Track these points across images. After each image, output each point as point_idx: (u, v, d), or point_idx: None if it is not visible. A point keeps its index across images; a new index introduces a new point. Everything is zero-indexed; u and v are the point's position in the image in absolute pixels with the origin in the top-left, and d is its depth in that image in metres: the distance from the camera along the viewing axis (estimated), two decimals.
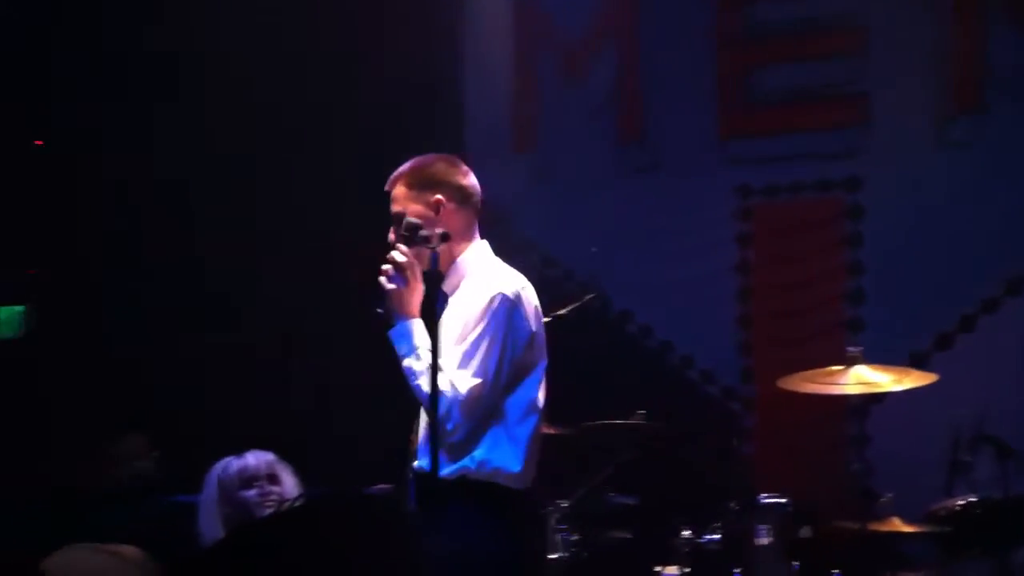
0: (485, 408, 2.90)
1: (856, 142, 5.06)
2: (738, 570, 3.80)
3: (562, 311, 4.09)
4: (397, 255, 3.03)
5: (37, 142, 4.98)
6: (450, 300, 3.06)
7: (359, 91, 5.32)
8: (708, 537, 3.87)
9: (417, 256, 3.04)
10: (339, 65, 5.34)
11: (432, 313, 2.91)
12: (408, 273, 3.01)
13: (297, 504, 3.10)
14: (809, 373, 3.96)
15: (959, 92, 4.92)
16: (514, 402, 2.98)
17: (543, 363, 3.09)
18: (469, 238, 3.17)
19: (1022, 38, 4.83)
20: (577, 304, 4.15)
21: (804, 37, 5.17)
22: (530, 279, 2.96)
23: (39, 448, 4.47)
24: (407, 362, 2.93)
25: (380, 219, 4.95)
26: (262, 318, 5.21)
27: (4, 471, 4.25)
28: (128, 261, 5.21)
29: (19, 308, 4.35)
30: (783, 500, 3.82)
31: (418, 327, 2.98)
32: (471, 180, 3.25)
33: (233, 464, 3.55)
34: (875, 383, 3.89)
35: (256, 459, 3.50)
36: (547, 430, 3.99)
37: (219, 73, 5.20)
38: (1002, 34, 4.86)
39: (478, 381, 2.89)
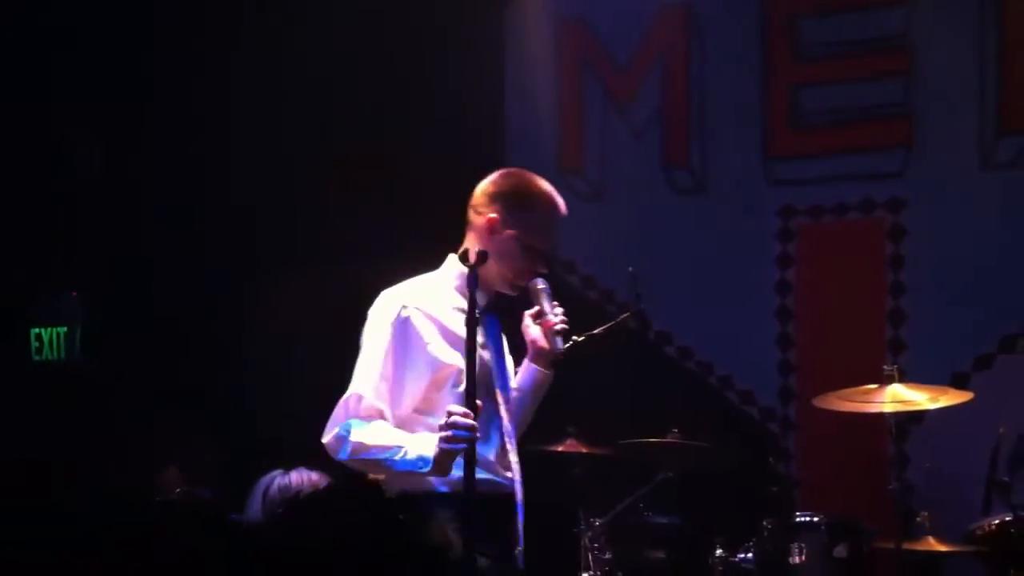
0: None
1: (900, 163, 5.05)
2: None
3: (597, 331, 4.14)
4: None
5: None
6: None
7: (405, 115, 5.41)
8: (742, 556, 3.87)
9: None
10: (386, 89, 5.44)
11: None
12: None
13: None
14: (846, 392, 3.96)
15: (1005, 114, 4.90)
16: None
17: None
18: None
19: None
20: (612, 323, 4.19)
21: (850, 58, 5.18)
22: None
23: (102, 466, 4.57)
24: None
25: (423, 239, 5.08)
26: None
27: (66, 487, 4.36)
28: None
29: (62, 329, 4.46)
30: (817, 519, 3.80)
31: None
32: None
33: (277, 481, 3.59)
34: (911, 401, 3.87)
35: (300, 477, 3.52)
36: (584, 449, 4.06)
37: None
38: None
39: None
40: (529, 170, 5.50)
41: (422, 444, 2.76)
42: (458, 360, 2.80)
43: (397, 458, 2.77)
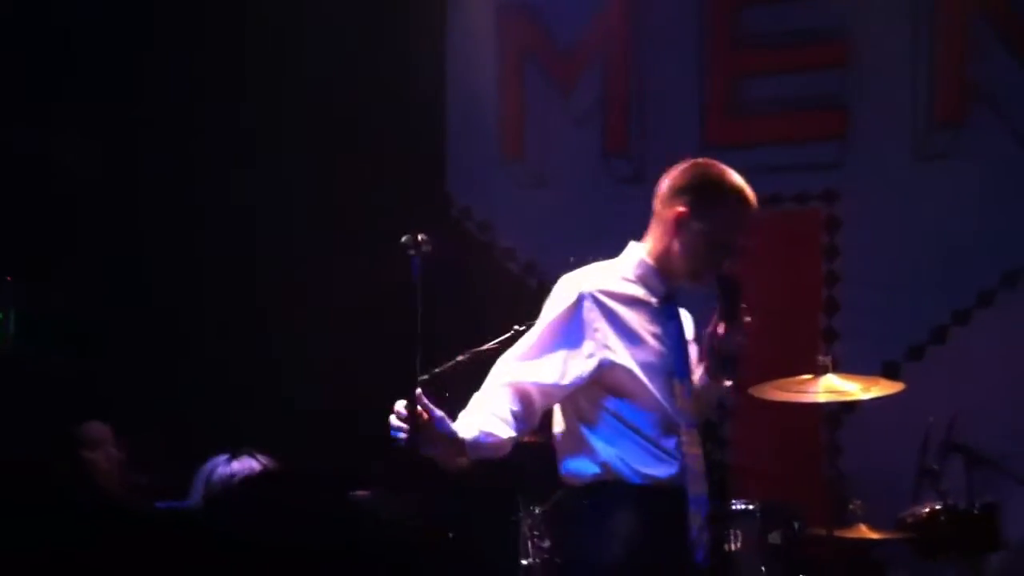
0: None
1: (835, 155, 5.12)
2: None
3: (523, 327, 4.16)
4: None
5: None
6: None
7: (341, 100, 5.38)
8: None
9: None
10: (326, 74, 5.40)
11: None
12: None
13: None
14: (781, 382, 4.02)
15: (939, 105, 4.99)
16: None
17: None
18: None
19: (1003, 52, 4.89)
20: None
21: (788, 49, 5.24)
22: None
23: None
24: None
25: (362, 230, 5.07)
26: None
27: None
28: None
29: None
30: (752, 506, 3.87)
31: None
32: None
33: (220, 469, 3.56)
34: (844, 392, 3.95)
35: (241, 465, 3.51)
36: (525, 437, 4.08)
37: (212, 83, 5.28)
38: (983, 48, 4.93)
39: None
40: (471, 158, 5.60)
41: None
42: (623, 352, 2.77)
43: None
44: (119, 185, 5.31)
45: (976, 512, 3.99)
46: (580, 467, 2.84)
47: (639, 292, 2.88)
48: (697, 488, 2.83)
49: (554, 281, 5.21)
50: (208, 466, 3.59)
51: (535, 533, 3.94)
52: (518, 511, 4.00)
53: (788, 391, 3.97)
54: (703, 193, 2.93)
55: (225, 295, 5.22)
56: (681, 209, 2.92)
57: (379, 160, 5.32)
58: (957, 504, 3.93)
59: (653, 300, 2.87)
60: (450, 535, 4.05)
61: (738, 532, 3.81)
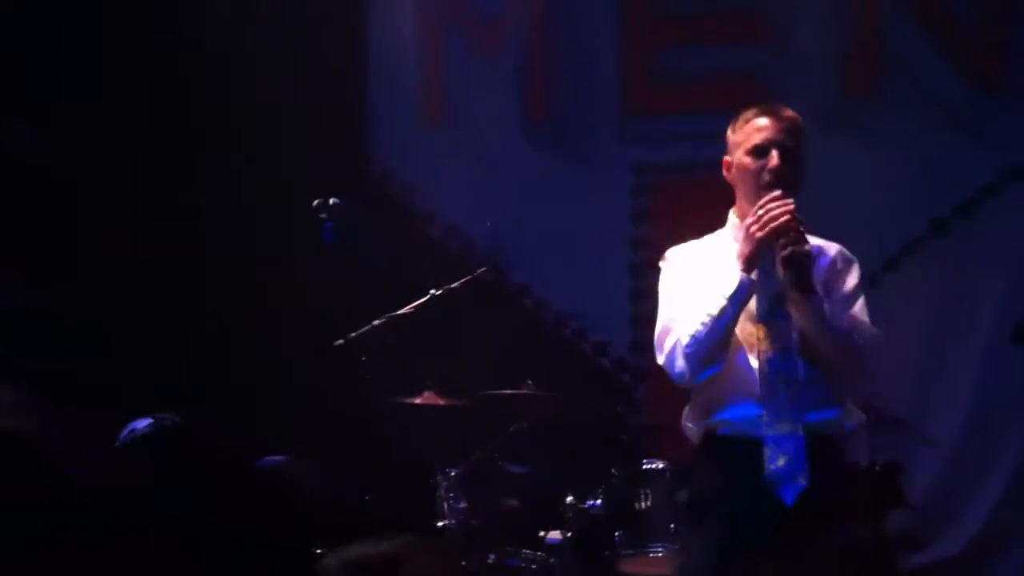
0: None
1: None
2: (619, 533, 3.93)
3: (455, 284, 4.20)
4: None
5: None
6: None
7: (260, 66, 5.33)
8: (591, 503, 4.00)
9: None
10: (246, 39, 5.34)
11: None
12: None
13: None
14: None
15: (852, 78, 5.09)
16: None
17: None
18: None
19: (915, 26, 5.00)
20: (470, 276, 4.26)
21: (705, 20, 5.30)
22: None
23: None
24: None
25: (272, 181, 5.03)
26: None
27: None
28: None
29: None
30: (662, 466, 3.95)
31: None
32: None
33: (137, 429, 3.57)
34: None
35: (143, 424, 3.52)
36: (441, 401, 4.13)
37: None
38: (896, 22, 5.03)
39: None
40: (391, 122, 5.60)
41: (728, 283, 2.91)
42: (700, 301, 2.92)
43: (725, 313, 2.88)
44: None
45: (878, 470, 4.12)
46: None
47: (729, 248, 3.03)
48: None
49: (474, 246, 5.33)
50: (129, 427, 3.60)
51: (451, 495, 3.99)
52: (434, 474, 4.04)
53: None
54: (728, 135, 3.15)
55: (134, 252, 5.16)
56: (726, 159, 3.14)
57: (298, 125, 5.29)
58: (859, 462, 4.06)
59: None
60: (366, 498, 4.09)
61: (648, 491, 3.89)
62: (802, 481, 2.88)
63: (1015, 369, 4.64)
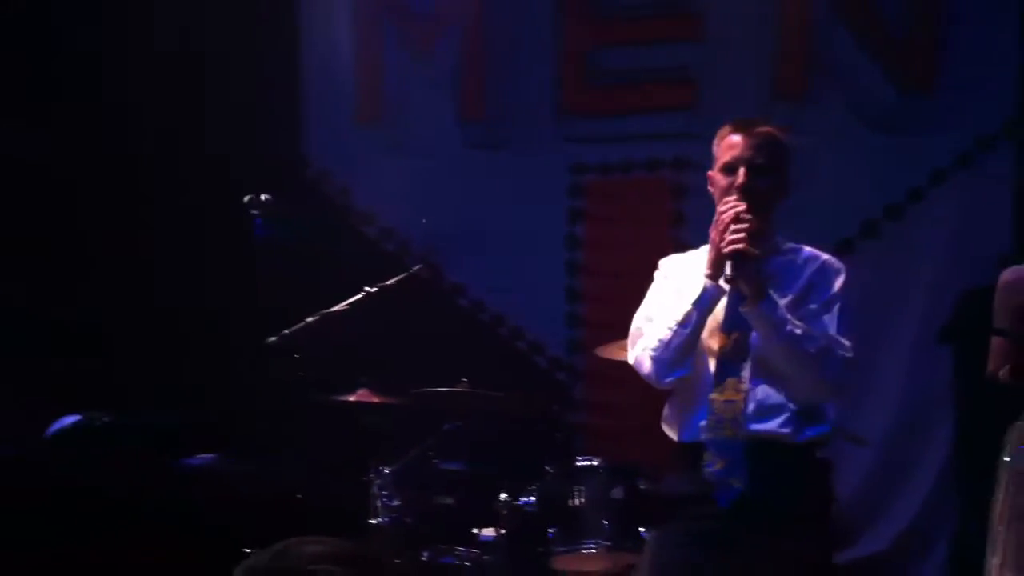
0: None
1: (684, 124, 5.24)
2: (553, 530, 3.94)
3: (390, 281, 4.19)
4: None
5: None
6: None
7: (193, 61, 5.27)
8: (525, 500, 4.00)
9: None
10: (177, 36, 5.28)
11: None
12: None
13: None
14: (625, 342, 4.11)
15: (781, 79, 5.14)
16: None
17: None
18: None
19: (845, 28, 5.07)
20: (406, 274, 4.24)
21: (641, 21, 5.34)
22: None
23: None
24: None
25: (208, 181, 4.97)
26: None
27: None
28: None
29: None
30: (597, 463, 3.97)
31: None
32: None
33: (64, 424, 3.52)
34: None
35: (70, 420, 3.47)
36: (375, 398, 4.11)
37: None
38: (826, 24, 5.09)
39: None
40: (327, 120, 5.55)
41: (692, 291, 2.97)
42: (671, 306, 3.01)
43: (690, 318, 2.95)
44: None
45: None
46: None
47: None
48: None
49: (410, 244, 5.30)
50: (59, 422, 3.56)
51: (384, 493, 3.97)
52: (368, 471, 4.02)
53: None
54: (714, 146, 3.17)
55: (69, 252, 5.07)
56: (710, 172, 3.17)
57: (232, 120, 5.24)
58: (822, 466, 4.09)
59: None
60: (298, 496, 4.06)
61: (582, 488, 3.90)
62: (738, 485, 2.94)
63: (942, 368, 4.73)
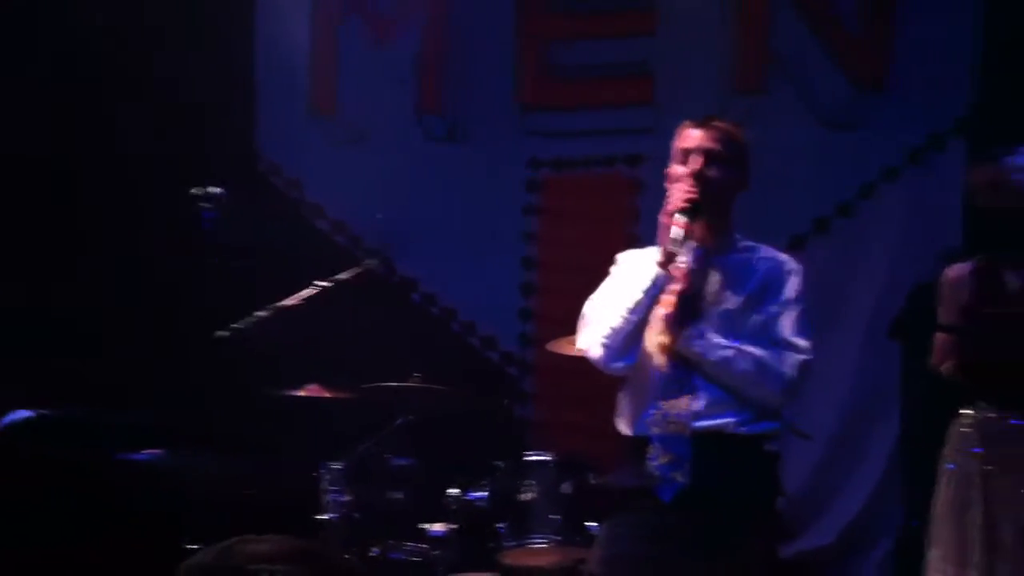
0: None
1: (642, 120, 5.25)
2: (503, 524, 3.94)
3: (343, 275, 4.17)
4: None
5: None
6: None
7: (149, 51, 5.22)
8: (475, 495, 4.00)
9: None
10: (130, 24, 5.23)
11: None
12: None
13: None
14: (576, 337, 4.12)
15: (739, 75, 5.16)
16: None
17: None
18: None
19: (799, 25, 5.09)
20: (356, 270, 4.23)
21: (600, 16, 5.34)
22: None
23: None
24: None
25: (159, 173, 4.92)
26: None
27: None
28: None
29: None
30: (547, 457, 3.97)
31: None
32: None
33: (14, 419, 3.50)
34: None
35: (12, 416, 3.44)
36: (326, 393, 4.09)
37: None
38: (781, 21, 5.11)
39: None
40: (280, 112, 5.51)
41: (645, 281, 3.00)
42: (622, 294, 3.05)
43: (639, 305, 2.99)
44: None
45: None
46: None
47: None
48: None
49: (364, 239, 5.28)
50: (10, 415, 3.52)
51: (334, 488, 3.95)
52: (317, 467, 4.00)
53: None
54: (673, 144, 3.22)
55: (11, 246, 5.01)
56: (667, 169, 3.21)
57: (184, 112, 5.19)
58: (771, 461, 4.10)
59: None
60: (248, 492, 4.03)
61: (533, 483, 3.91)
62: (680, 480, 2.96)
63: (891, 364, 4.77)
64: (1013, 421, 3.48)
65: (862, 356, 4.81)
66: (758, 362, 2.98)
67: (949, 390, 3.63)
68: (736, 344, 3.00)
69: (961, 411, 3.58)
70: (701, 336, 2.99)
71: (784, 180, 4.97)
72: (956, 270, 3.71)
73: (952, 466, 3.53)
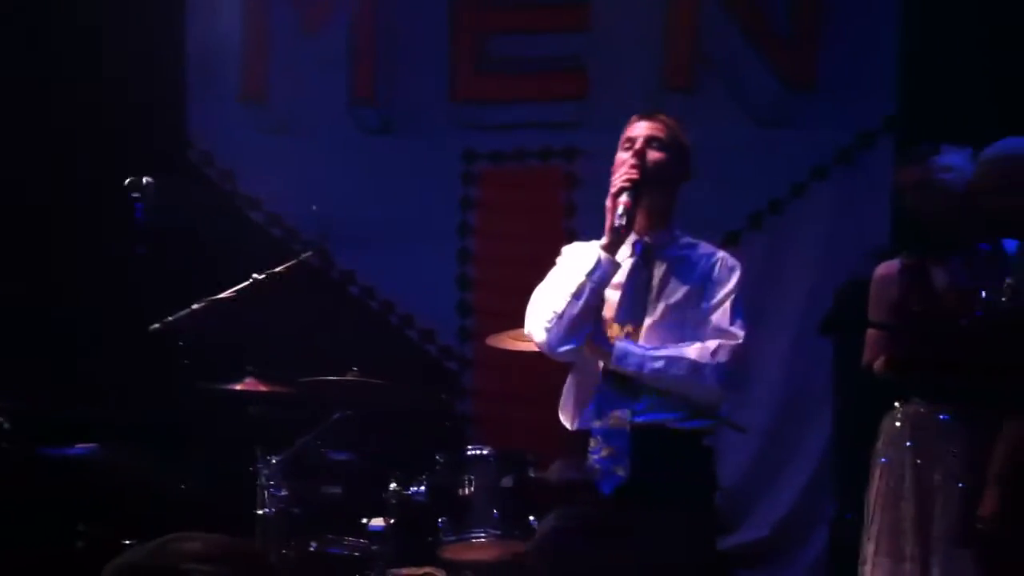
0: None
1: (575, 114, 5.28)
2: (442, 519, 3.94)
3: (279, 268, 4.12)
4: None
5: None
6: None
7: (74, 36, 5.10)
8: (415, 489, 3.99)
9: None
10: (57, 11, 5.10)
11: None
12: None
13: None
14: (515, 332, 4.13)
15: (669, 72, 5.20)
16: None
17: None
18: None
19: (729, 23, 5.14)
20: (295, 261, 4.19)
21: (534, 10, 5.34)
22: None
23: None
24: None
25: (90, 164, 4.81)
26: None
27: None
28: None
29: None
30: (487, 452, 3.98)
31: None
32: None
33: None
34: None
35: None
36: (263, 387, 4.05)
37: None
38: (711, 19, 5.16)
39: None
40: (212, 101, 5.42)
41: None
42: (567, 280, 3.12)
43: (583, 290, 3.05)
44: None
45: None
46: None
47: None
48: None
49: (300, 231, 5.22)
50: None
51: (271, 483, 3.91)
52: (255, 461, 3.96)
53: (522, 340, 4.09)
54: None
55: None
56: None
57: (113, 99, 5.09)
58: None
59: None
60: (183, 486, 3.98)
61: (472, 477, 3.91)
62: (621, 473, 2.99)
63: (823, 359, 4.86)
64: (943, 416, 3.57)
65: (794, 352, 4.90)
66: (692, 365, 3.06)
67: (881, 385, 3.72)
68: (667, 350, 3.07)
69: (894, 406, 3.66)
70: (626, 356, 3.06)
71: (718, 177, 5.03)
72: (885, 268, 3.79)
73: (885, 460, 3.62)
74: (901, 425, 3.62)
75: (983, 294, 3.46)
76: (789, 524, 4.86)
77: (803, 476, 4.87)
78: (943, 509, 3.46)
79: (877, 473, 3.63)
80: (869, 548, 3.56)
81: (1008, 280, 3.34)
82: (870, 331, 3.74)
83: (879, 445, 3.66)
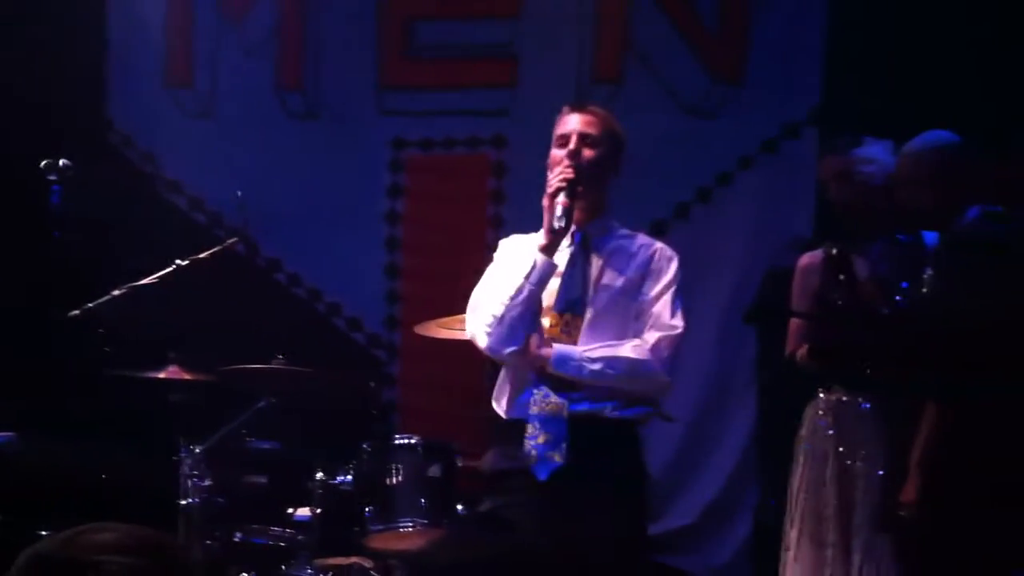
0: None
1: (505, 102, 5.27)
2: (369, 509, 3.90)
3: (202, 255, 4.06)
4: None
5: None
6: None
7: None
8: (341, 478, 3.95)
9: None
10: None
11: None
12: None
13: None
14: (443, 320, 4.12)
15: (599, 62, 5.22)
16: None
17: None
18: None
19: (658, 16, 5.16)
20: (219, 248, 4.12)
21: None
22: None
23: None
24: None
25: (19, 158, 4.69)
26: None
27: None
28: None
29: None
30: (414, 440, 3.94)
31: None
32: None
33: None
34: None
35: None
36: (186, 375, 3.98)
37: None
38: (640, 10, 5.18)
39: None
40: (134, 83, 5.32)
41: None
42: (506, 281, 3.12)
43: (521, 291, 3.06)
44: None
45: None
46: None
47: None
48: None
49: (224, 216, 5.14)
50: None
51: (194, 473, 3.85)
52: (177, 450, 3.89)
53: (451, 329, 4.09)
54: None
55: None
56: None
57: (31, 79, 4.95)
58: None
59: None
60: (103, 476, 3.90)
61: (399, 466, 3.88)
62: (558, 459, 3.01)
63: (747, 347, 4.92)
64: (864, 404, 3.64)
65: (720, 340, 4.94)
66: (630, 363, 3.10)
67: (804, 374, 3.77)
68: (604, 350, 3.10)
69: (817, 394, 3.72)
70: (565, 362, 3.09)
71: (646, 166, 5.05)
72: (807, 258, 3.85)
73: (808, 446, 3.68)
74: (823, 413, 3.68)
75: (903, 284, 3.53)
76: (714, 510, 4.92)
77: (728, 463, 4.93)
78: (864, 495, 3.53)
79: (800, 460, 3.69)
80: (792, 533, 3.62)
81: (928, 271, 3.41)
82: (793, 321, 3.79)
83: (802, 432, 3.72)
